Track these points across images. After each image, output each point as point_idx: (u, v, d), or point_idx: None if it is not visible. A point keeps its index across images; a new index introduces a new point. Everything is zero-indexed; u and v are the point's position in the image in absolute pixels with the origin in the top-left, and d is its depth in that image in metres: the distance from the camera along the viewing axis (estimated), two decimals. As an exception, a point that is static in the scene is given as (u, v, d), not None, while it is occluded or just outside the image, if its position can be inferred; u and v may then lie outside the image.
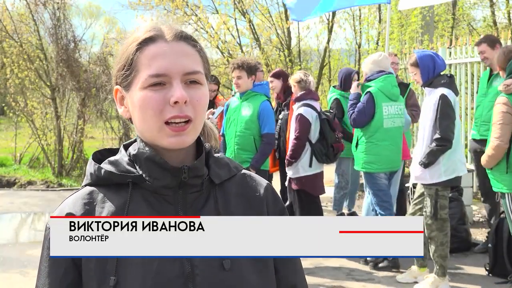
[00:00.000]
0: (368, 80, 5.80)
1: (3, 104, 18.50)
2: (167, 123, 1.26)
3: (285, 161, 6.13)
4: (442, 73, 5.13)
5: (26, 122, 14.41)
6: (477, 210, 8.09)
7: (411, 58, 5.26)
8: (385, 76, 5.74)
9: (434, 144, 4.97)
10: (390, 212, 5.81)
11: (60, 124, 13.60)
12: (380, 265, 5.87)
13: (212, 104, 7.23)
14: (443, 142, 4.95)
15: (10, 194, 11.23)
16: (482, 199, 6.64)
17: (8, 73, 14.03)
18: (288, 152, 6.11)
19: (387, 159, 5.71)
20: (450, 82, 5.07)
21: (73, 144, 13.62)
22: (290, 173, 6.16)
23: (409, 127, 6.26)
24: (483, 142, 5.69)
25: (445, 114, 4.96)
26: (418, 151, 5.15)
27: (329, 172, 8.28)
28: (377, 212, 5.85)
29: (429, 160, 4.98)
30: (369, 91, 5.70)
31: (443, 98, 4.97)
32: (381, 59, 5.84)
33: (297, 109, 6.13)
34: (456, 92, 5.16)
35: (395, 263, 5.79)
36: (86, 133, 14.33)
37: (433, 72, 5.06)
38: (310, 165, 6.09)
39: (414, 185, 5.32)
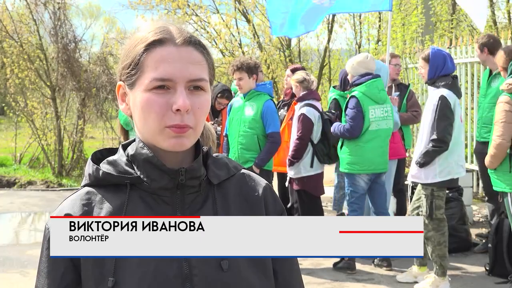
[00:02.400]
0: (355, 84, 5.76)
1: (3, 104, 18.51)
2: (167, 127, 1.27)
3: (287, 161, 6.13)
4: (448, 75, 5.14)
5: (26, 122, 14.41)
6: (477, 210, 8.09)
7: (424, 52, 5.29)
8: (371, 81, 5.71)
9: (430, 145, 4.98)
10: (358, 214, 5.83)
11: (60, 124, 13.61)
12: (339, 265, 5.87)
13: (218, 113, 7.19)
14: (439, 144, 4.96)
15: (10, 194, 11.23)
16: (486, 198, 6.60)
17: (8, 73, 14.03)
18: (291, 152, 6.10)
19: (370, 161, 5.71)
20: (452, 84, 5.07)
21: (73, 144, 13.62)
22: (291, 173, 6.16)
23: (397, 127, 6.24)
24: (485, 144, 5.68)
25: (443, 116, 4.97)
26: (418, 151, 5.16)
27: (329, 172, 8.27)
28: (348, 211, 5.96)
29: (425, 160, 5.00)
30: (354, 96, 5.70)
31: (442, 100, 4.98)
32: (368, 60, 5.79)
33: (300, 109, 6.12)
34: (459, 94, 5.15)
35: (350, 264, 5.79)
36: (86, 133, 14.33)
37: (440, 71, 5.06)
38: (312, 165, 6.10)
39: (415, 185, 5.34)
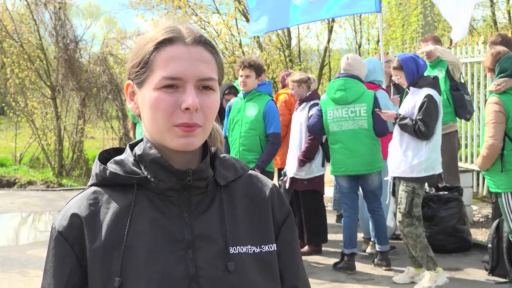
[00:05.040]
0: None
1: (3, 104, 18.54)
2: (176, 125, 1.26)
3: (298, 161, 6.07)
4: (425, 74, 5.22)
5: (26, 122, 14.42)
6: (477, 210, 8.08)
7: (393, 62, 5.35)
8: (331, 81, 5.86)
9: (416, 127, 5.00)
10: (349, 214, 5.81)
11: (60, 124, 13.61)
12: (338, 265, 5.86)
13: (223, 111, 7.19)
14: (423, 134, 5.01)
15: (10, 194, 11.24)
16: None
17: (8, 73, 14.05)
18: (303, 153, 6.06)
19: (339, 163, 5.74)
20: (434, 83, 5.18)
21: (73, 144, 13.62)
22: (302, 174, 6.12)
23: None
24: None
25: (430, 113, 5.04)
26: (396, 147, 5.18)
27: (329, 173, 8.28)
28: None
29: (400, 124, 5.09)
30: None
31: (430, 98, 5.07)
32: (341, 61, 5.93)
33: (311, 109, 6.10)
34: (439, 93, 5.27)
35: (350, 265, 5.79)
36: (86, 133, 14.34)
37: (417, 73, 5.15)
38: (323, 165, 6.20)
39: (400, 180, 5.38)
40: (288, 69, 9.86)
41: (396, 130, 5.24)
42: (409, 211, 5.11)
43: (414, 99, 5.16)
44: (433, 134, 5.08)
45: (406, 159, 5.11)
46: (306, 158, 6.05)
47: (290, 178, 6.20)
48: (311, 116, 6.04)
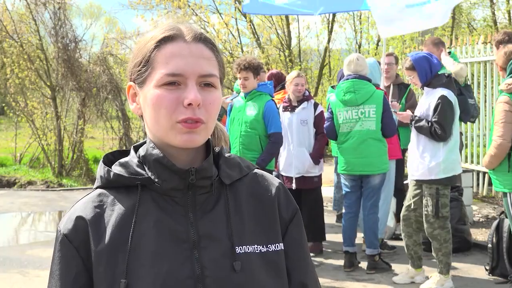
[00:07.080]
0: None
1: (3, 104, 18.54)
2: (179, 121, 1.26)
3: (314, 160, 6.20)
4: (440, 73, 5.11)
5: (26, 122, 14.42)
6: (477, 210, 8.09)
7: (406, 62, 5.23)
8: (340, 83, 5.85)
9: (432, 130, 4.96)
10: (347, 212, 5.85)
11: (60, 124, 13.61)
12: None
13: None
14: (440, 136, 4.97)
15: (10, 194, 11.24)
16: None
17: (8, 73, 14.05)
18: (318, 150, 6.24)
19: (346, 162, 5.79)
20: (448, 82, 5.07)
21: (73, 144, 13.62)
22: (316, 171, 6.27)
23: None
24: None
25: (445, 115, 4.97)
26: (413, 149, 5.15)
27: (329, 172, 8.28)
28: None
29: (416, 126, 5.05)
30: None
31: (443, 99, 4.98)
32: (347, 62, 5.85)
33: (318, 106, 6.31)
34: (455, 92, 5.15)
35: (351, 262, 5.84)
36: (86, 133, 14.33)
37: (430, 72, 5.05)
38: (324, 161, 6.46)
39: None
40: (274, 68, 9.82)
41: (413, 132, 5.18)
42: (436, 213, 5.06)
43: (428, 100, 5.08)
44: (450, 135, 5.00)
45: (424, 161, 5.05)
46: (321, 155, 6.23)
47: (296, 178, 6.24)
48: (321, 112, 6.24)
